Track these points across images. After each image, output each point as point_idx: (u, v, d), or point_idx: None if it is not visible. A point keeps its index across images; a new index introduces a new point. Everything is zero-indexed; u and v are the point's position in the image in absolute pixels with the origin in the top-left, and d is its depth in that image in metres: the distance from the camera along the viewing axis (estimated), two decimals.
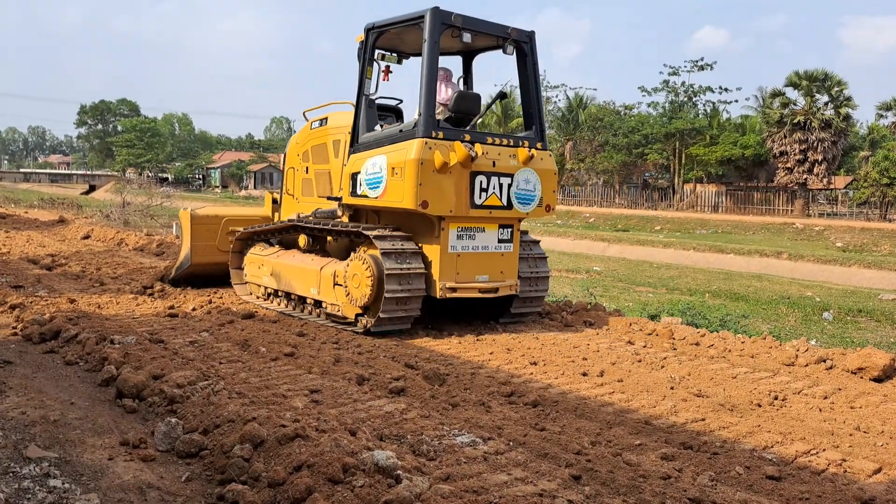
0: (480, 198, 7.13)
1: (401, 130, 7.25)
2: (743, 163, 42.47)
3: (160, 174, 78.28)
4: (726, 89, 45.15)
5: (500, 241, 7.46)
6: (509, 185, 7.29)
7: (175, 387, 4.58)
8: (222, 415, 4.00)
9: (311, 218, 8.34)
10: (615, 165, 46.56)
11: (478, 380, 5.34)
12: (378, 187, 7.20)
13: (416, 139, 6.92)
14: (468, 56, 8.50)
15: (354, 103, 7.78)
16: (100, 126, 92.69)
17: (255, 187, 71.95)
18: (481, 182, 7.12)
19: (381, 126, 7.77)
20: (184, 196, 48.04)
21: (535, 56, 7.77)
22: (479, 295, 7.30)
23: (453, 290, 7.13)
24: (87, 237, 15.66)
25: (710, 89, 45.29)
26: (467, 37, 7.24)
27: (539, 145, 7.61)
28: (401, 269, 6.84)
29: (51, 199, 37.25)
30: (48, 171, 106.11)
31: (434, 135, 6.94)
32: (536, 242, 8.15)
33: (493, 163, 7.18)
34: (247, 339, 6.31)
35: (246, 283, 9.07)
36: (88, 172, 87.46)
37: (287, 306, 8.25)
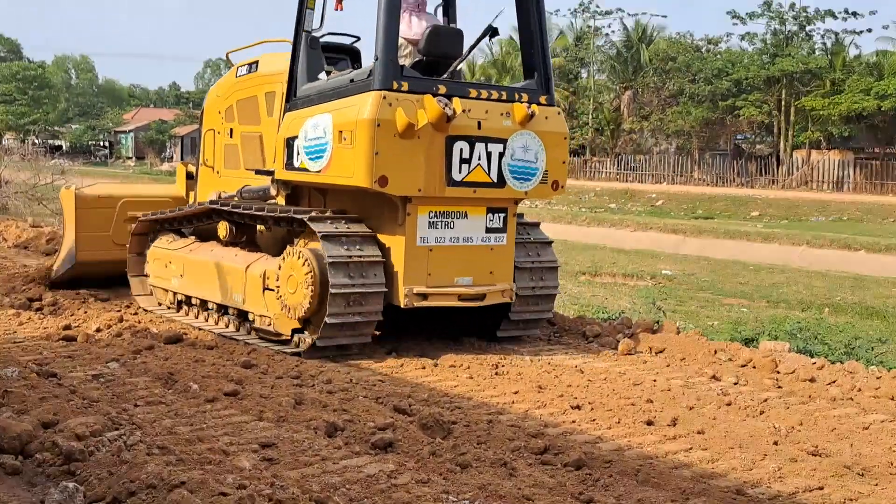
0: (461, 172, 7.28)
1: (352, 80, 7.36)
2: (880, 120, 42.15)
3: (51, 141, 78.60)
4: (854, 14, 45.01)
5: (488, 230, 7.63)
6: (501, 155, 7.44)
7: (73, 439, 4.63)
8: (139, 478, 4.05)
9: (235, 199, 8.50)
10: (693, 125, 46.54)
11: (497, 430, 5.38)
12: (321, 158, 7.37)
13: (371, 92, 7.03)
14: None
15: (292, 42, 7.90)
16: None
17: (182, 158, 72.16)
18: (461, 150, 7.27)
19: (329, 74, 7.89)
20: (84, 171, 48.15)
21: None
22: (460, 304, 7.50)
23: (423, 296, 7.31)
24: None
25: (830, 14, 45.11)
26: None
27: (543, 99, 7.73)
28: (349, 256, 7.04)
29: None
30: None
31: (396, 86, 7.06)
32: (535, 225, 8.35)
33: (479, 124, 7.33)
34: (172, 371, 6.37)
35: (149, 287, 9.29)
36: None
37: (202, 318, 8.47)
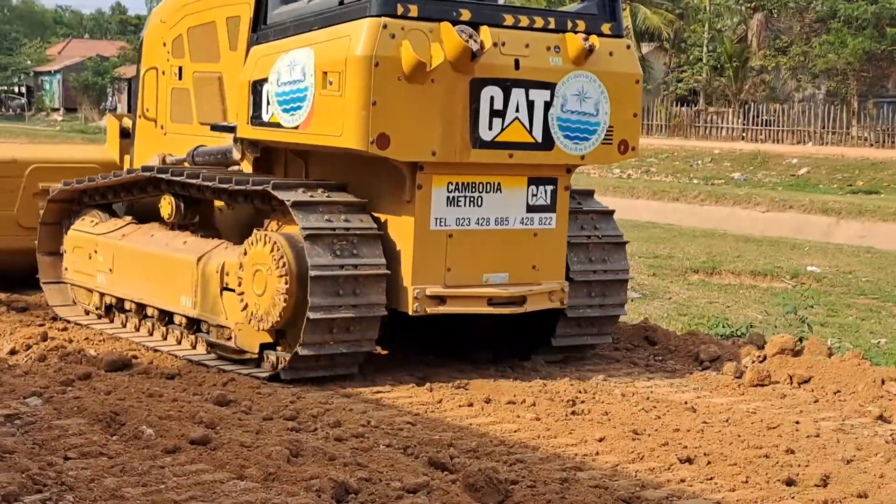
0: (491, 128, 7.33)
1: (341, 2, 7.41)
2: None
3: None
4: None
5: (530, 208, 7.72)
6: (547, 105, 7.48)
7: None
8: None
9: (185, 164, 8.62)
10: (851, 61, 46.02)
11: (575, 493, 5.36)
12: (298, 108, 7.46)
13: (367, 18, 7.06)
14: None
15: None
16: None
17: (130, 109, 72.88)
18: (492, 99, 7.30)
19: None
20: None
21: None
22: (490, 310, 7.60)
23: (440, 300, 7.42)
24: None
25: None
26: None
27: (607, 28, 7.80)
28: (339, 264, 7.11)
29: None
30: None
31: (402, 10, 7.07)
32: (607, 213, 8.51)
33: (517, 62, 7.36)
34: (117, 410, 6.40)
35: (66, 285, 9.46)
36: None
37: (141, 330, 8.64)
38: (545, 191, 7.73)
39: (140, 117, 9.71)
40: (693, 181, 34.83)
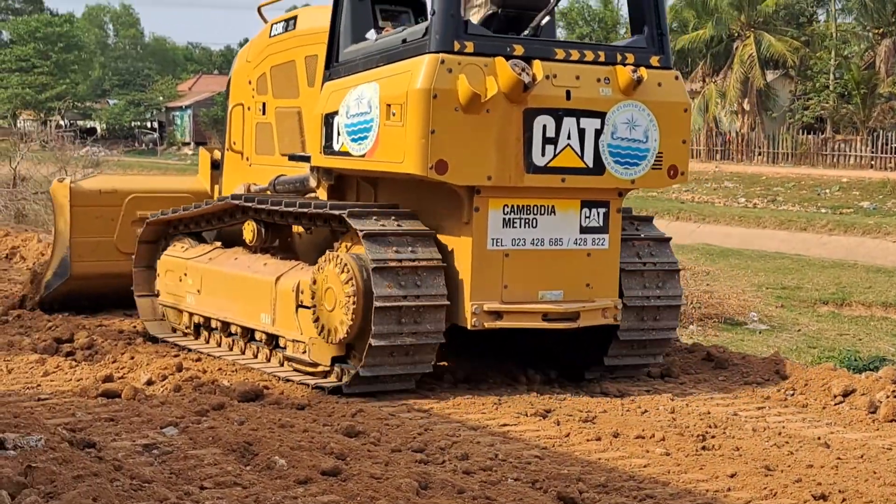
0: (544, 154, 7.82)
1: (404, 40, 8.01)
2: None
3: (81, 122, 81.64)
4: None
5: (584, 230, 8.18)
6: (598, 133, 7.95)
7: None
8: None
9: (268, 193, 9.30)
10: None
11: None
12: (365, 138, 8.04)
13: (427, 55, 7.62)
14: None
15: None
16: None
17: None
18: (545, 127, 7.79)
19: (382, 31, 8.58)
20: (125, 163, 49.92)
21: None
22: (545, 325, 8.02)
23: (497, 315, 7.88)
24: None
25: None
26: None
27: (655, 61, 8.24)
28: (403, 295, 7.61)
29: None
30: None
31: (458, 47, 7.62)
32: (664, 241, 8.85)
33: (568, 93, 7.86)
34: (250, 440, 6.48)
35: (156, 300, 10.07)
36: None
37: (226, 347, 9.27)
38: (598, 213, 8.18)
39: (228, 150, 10.41)
40: (821, 210, 34.22)
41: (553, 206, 8.02)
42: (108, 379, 8.15)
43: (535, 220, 7.98)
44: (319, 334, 7.98)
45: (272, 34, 9.99)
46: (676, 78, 8.35)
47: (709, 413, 7.78)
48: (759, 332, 12.76)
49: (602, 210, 8.18)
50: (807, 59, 51.63)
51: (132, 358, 8.95)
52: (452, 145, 7.57)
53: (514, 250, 7.92)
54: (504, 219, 7.88)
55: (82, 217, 10.55)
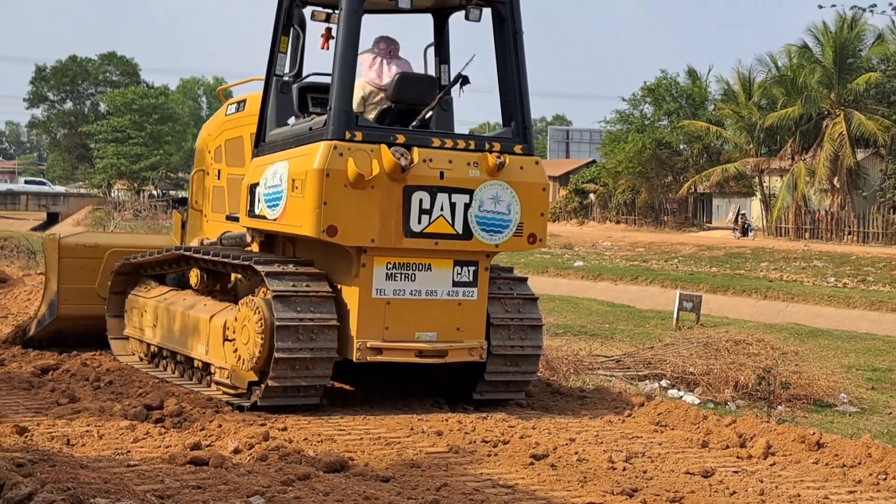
0: (420, 222, 9.53)
1: (310, 129, 9.76)
2: None
3: (174, 192, 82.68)
4: None
5: (455, 283, 9.84)
6: (467, 206, 9.66)
7: None
8: None
9: (218, 244, 11.00)
10: None
11: None
12: (277, 206, 9.80)
13: (323, 142, 9.34)
14: (440, 15, 11.01)
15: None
16: (69, 104, 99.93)
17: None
18: (421, 201, 9.51)
19: (306, 117, 10.31)
20: None
21: (519, 21, 10.07)
22: (418, 360, 9.71)
23: (378, 351, 9.57)
24: None
25: None
26: (405, 0, 9.78)
27: (518, 148, 9.96)
28: (299, 318, 9.26)
29: None
30: None
31: (349, 135, 9.37)
32: (532, 300, 10.41)
33: (441, 174, 9.57)
34: None
35: (126, 341, 12.18)
36: (47, 189, 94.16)
37: (174, 373, 11.13)
38: (468, 270, 9.85)
39: (191, 208, 12.36)
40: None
41: (430, 264, 9.69)
42: (196, 446, 8.22)
43: (413, 275, 9.65)
44: (237, 362, 9.68)
45: (227, 113, 11.97)
46: (537, 163, 10.05)
47: (798, 496, 7.65)
48: (850, 415, 12.53)
49: (472, 268, 9.85)
50: None
51: (220, 426, 9.03)
52: (341, 214, 9.28)
53: (395, 299, 9.62)
54: (387, 273, 9.58)
55: (67, 267, 12.33)
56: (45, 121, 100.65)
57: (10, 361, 11.98)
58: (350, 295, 9.58)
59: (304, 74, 11.08)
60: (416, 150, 9.43)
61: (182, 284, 11.60)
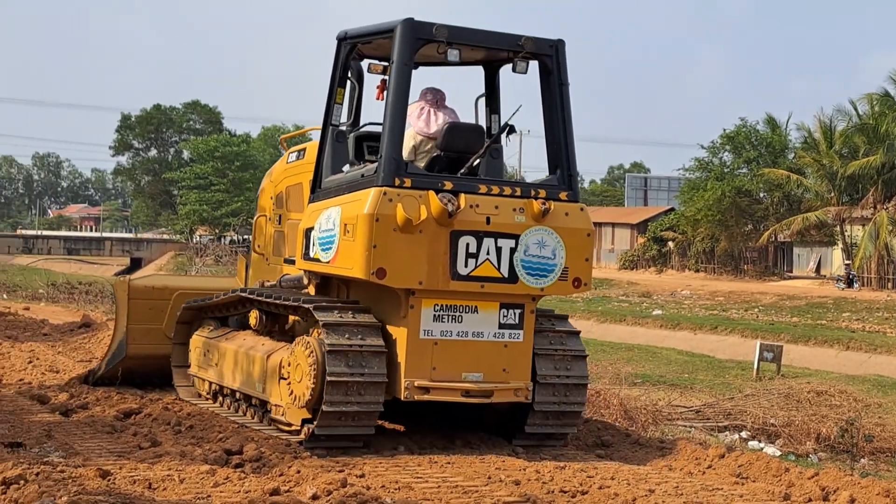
0: (467, 266, 9.86)
1: (363, 175, 10.17)
2: None
3: None
4: None
5: (502, 325, 10.12)
6: (513, 250, 9.98)
7: None
8: None
9: (278, 287, 11.50)
10: None
11: None
12: (330, 249, 10.17)
13: (373, 188, 9.75)
14: (490, 67, 11.43)
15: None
16: (153, 151, 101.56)
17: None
18: (468, 245, 9.85)
19: (361, 164, 10.72)
20: None
21: (564, 73, 10.44)
22: (464, 400, 9.92)
23: (425, 390, 9.84)
24: None
25: None
26: (454, 54, 10.03)
27: (564, 195, 10.30)
28: (349, 344, 9.62)
29: (68, 285, 40.84)
30: (64, 233, 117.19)
31: (399, 182, 9.77)
32: (574, 334, 10.72)
33: (487, 219, 9.92)
34: None
35: (191, 377, 12.62)
36: (131, 235, 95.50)
37: (234, 409, 11.54)
38: (514, 313, 10.13)
39: (254, 252, 12.81)
40: None
41: (476, 307, 10.00)
42: (275, 492, 8.24)
43: (460, 317, 9.96)
44: (290, 399, 10.05)
45: (289, 161, 12.50)
46: (582, 209, 10.33)
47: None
48: None
49: (518, 311, 10.13)
50: None
51: (298, 472, 9.05)
52: (390, 257, 9.63)
53: (442, 340, 9.91)
54: (434, 314, 9.89)
55: (137, 308, 12.84)
56: (129, 168, 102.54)
57: (94, 405, 12.13)
58: (399, 335, 9.91)
59: (360, 124, 11.56)
60: (463, 196, 9.80)
61: (244, 325, 11.99)
